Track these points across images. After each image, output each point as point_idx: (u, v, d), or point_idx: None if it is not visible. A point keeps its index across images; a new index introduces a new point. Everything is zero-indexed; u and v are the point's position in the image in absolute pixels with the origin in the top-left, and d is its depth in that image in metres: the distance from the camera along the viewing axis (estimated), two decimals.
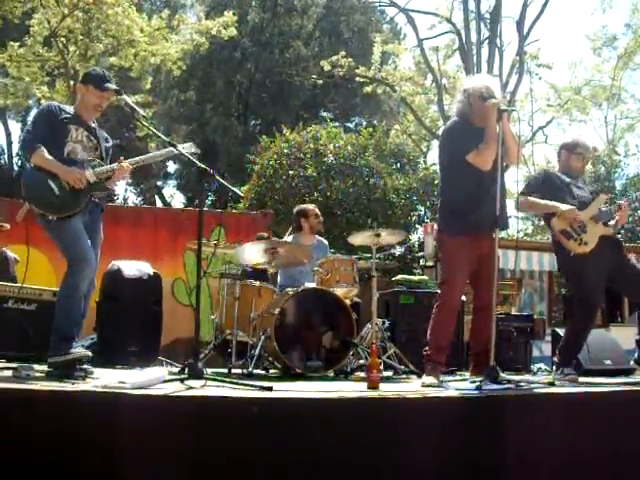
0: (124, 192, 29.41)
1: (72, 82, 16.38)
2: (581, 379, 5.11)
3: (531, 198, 5.27)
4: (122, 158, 4.65)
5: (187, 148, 4.52)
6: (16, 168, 25.50)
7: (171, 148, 4.47)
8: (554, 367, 5.32)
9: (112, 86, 4.61)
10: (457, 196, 4.87)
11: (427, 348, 4.78)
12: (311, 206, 7.18)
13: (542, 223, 22.09)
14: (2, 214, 7.48)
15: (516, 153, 4.80)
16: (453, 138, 4.91)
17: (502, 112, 4.61)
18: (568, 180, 5.39)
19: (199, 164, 4.15)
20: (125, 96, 4.54)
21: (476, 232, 4.67)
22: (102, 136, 4.76)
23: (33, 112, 23.10)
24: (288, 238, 7.05)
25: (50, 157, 4.35)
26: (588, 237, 5.13)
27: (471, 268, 4.80)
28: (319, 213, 7.02)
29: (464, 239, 4.74)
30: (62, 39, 16.40)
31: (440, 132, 5.15)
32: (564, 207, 5.15)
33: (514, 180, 5.48)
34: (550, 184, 5.36)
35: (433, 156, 25.57)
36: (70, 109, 4.66)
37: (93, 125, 4.71)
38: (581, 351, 5.49)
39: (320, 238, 7.02)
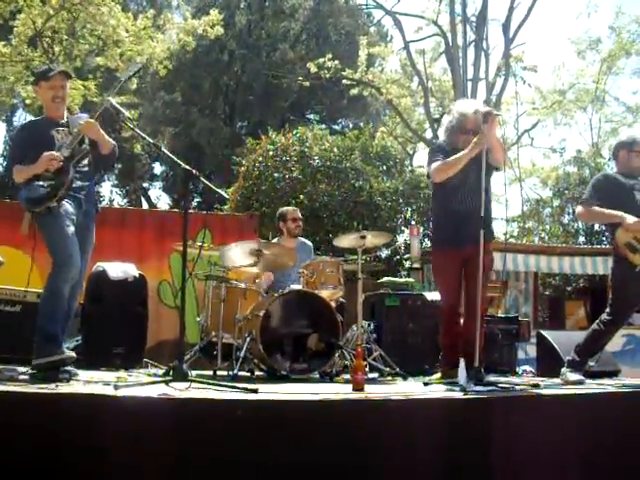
0: (110, 193, 29.36)
1: None
2: None
3: (594, 208, 5.17)
4: (85, 117, 4.66)
5: (133, 66, 4.51)
6: (1, 169, 25.32)
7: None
8: (565, 364, 5.29)
9: (56, 69, 4.65)
10: (439, 213, 5.27)
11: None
12: (291, 209, 7.08)
13: (528, 225, 22.21)
14: None
15: (502, 156, 4.92)
16: (431, 157, 5.15)
17: (487, 115, 4.72)
18: (631, 183, 5.28)
19: (184, 165, 4.15)
20: (110, 97, 4.53)
21: (460, 244, 4.86)
22: (77, 123, 4.66)
23: (19, 112, 23.08)
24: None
25: (23, 166, 4.37)
26: None
27: (459, 276, 5.02)
28: (298, 217, 6.90)
29: (448, 252, 5.01)
30: (47, 39, 16.31)
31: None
32: (629, 219, 5.03)
33: (502, 183, 5.56)
34: (612, 190, 5.25)
35: (419, 159, 25.66)
36: (40, 118, 4.72)
37: (65, 120, 4.69)
38: (595, 355, 5.45)
39: (303, 240, 6.98)
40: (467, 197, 4.90)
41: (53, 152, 4.36)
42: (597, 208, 5.16)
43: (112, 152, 4.70)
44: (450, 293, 5.07)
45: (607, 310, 5.21)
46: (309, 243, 7.02)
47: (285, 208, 7.20)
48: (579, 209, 5.38)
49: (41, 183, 4.29)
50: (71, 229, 4.36)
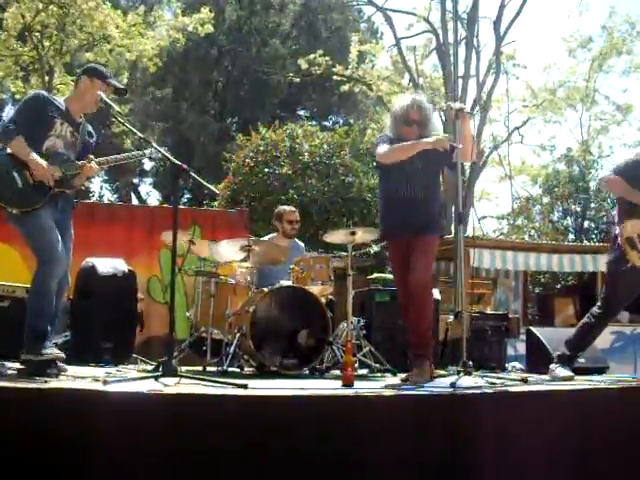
0: (99, 189, 29.24)
1: (47, 77, 16.24)
2: None
3: (624, 182, 4.99)
4: (91, 157, 4.58)
5: (155, 152, 4.47)
6: None
7: (141, 152, 4.50)
8: (555, 359, 5.29)
9: (117, 84, 4.60)
10: (381, 202, 5.25)
11: None
12: (289, 209, 6.97)
13: (518, 222, 22.25)
14: None
15: (470, 153, 4.90)
16: (378, 143, 5.08)
17: (458, 112, 4.75)
18: None
19: (174, 160, 4.13)
20: (101, 92, 4.49)
21: (398, 236, 4.88)
22: (86, 131, 4.67)
23: (8, 107, 22.95)
24: (265, 238, 7.02)
25: (25, 145, 4.23)
26: None
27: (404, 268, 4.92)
28: (295, 219, 6.83)
29: (390, 241, 5.05)
30: (36, 34, 16.23)
31: None
32: None
33: (488, 180, 5.55)
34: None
35: None
36: (60, 102, 4.56)
37: (80, 120, 4.61)
38: (585, 349, 5.40)
39: (297, 241, 6.94)
40: (413, 186, 4.83)
41: (52, 171, 4.31)
42: (625, 183, 4.99)
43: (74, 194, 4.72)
44: (398, 281, 5.01)
45: (598, 303, 5.21)
46: (302, 244, 6.98)
47: (283, 207, 7.09)
48: (611, 176, 5.18)
49: (17, 179, 4.18)
50: (52, 224, 4.32)
